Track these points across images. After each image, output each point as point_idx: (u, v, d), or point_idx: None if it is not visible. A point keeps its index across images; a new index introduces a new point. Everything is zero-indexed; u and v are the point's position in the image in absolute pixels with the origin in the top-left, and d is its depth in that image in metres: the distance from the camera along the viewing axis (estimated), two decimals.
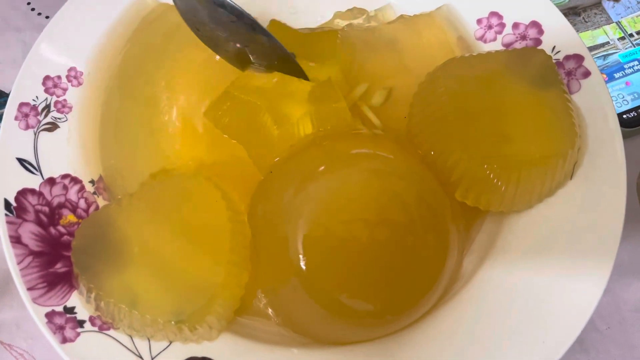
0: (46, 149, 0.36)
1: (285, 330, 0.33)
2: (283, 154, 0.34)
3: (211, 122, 0.36)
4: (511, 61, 0.34)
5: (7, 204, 0.34)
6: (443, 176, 0.33)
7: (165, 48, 0.39)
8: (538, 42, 0.37)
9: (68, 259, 0.32)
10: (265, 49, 0.34)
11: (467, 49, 0.39)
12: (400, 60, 0.38)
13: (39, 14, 0.50)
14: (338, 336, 0.32)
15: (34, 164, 0.35)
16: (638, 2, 0.47)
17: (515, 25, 0.38)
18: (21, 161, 0.35)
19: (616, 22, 0.46)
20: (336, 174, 0.32)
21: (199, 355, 0.31)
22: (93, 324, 0.31)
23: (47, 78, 0.38)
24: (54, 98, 0.37)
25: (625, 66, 0.45)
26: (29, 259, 0.32)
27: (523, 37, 0.38)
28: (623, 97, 0.43)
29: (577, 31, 0.46)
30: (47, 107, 0.37)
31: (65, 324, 0.31)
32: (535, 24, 0.37)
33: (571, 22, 0.38)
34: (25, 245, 0.33)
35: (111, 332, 0.31)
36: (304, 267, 0.30)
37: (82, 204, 0.35)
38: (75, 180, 0.35)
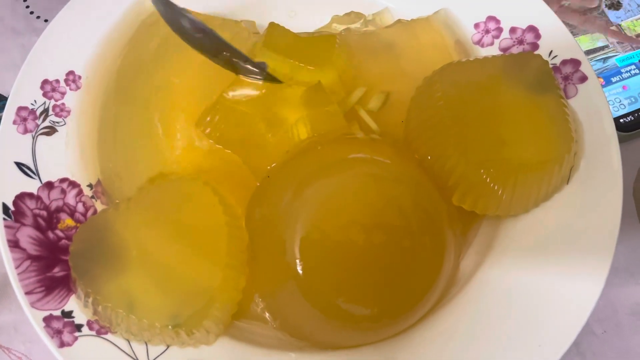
0: (44, 153, 0.36)
1: (283, 335, 0.33)
2: (279, 160, 0.34)
3: (202, 134, 0.36)
4: (508, 66, 0.34)
5: (5, 208, 0.34)
6: (440, 180, 0.33)
7: (163, 51, 0.39)
8: (535, 46, 0.37)
9: (66, 263, 0.33)
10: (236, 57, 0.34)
11: (465, 53, 0.39)
12: (398, 64, 0.38)
13: (38, 17, 0.50)
14: (335, 340, 0.32)
15: (32, 168, 0.35)
16: (638, 5, 0.47)
17: (513, 30, 0.38)
18: (19, 165, 0.35)
19: (616, 25, 0.47)
20: (333, 178, 0.32)
21: (197, 359, 0.31)
22: (91, 328, 0.31)
23: (45, 82, 0.38)
24: (52, 102, 0.37)
25: (623, 70, 0.45)
26: (27, 263, 0.32)
27: (520, 42, 0.38)
28: (620, 101, 0.44)
29: (577, 34, 0.46)
30: (46, 111, 0.37)
31: (63, 328, 0.31)
32: (532, 29, 0.38)
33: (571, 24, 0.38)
34: (23, 250, 0.33)
35: (109, 336, 0.31)
36: (300, 271, 0.30)
37: (80, 208, 0.35)
38: (73, 184, 0.36)
